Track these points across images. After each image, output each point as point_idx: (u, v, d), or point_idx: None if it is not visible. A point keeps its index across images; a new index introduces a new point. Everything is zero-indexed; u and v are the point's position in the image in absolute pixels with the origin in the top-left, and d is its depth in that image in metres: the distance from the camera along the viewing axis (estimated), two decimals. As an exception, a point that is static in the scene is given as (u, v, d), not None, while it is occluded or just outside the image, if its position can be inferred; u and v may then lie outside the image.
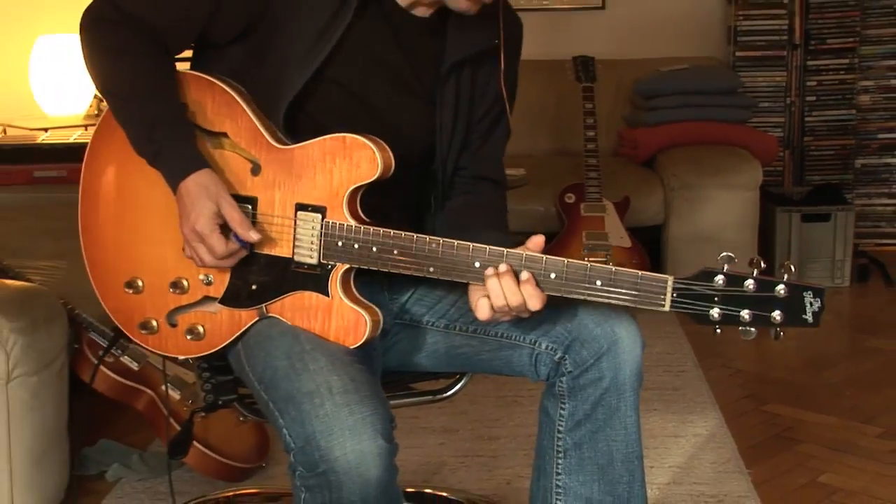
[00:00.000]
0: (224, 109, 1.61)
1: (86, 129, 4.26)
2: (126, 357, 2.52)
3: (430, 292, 1.76)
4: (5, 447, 2.18)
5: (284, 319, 1.59)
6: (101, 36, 1.60)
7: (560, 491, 1.69)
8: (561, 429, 1.67)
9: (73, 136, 4.17)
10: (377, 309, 1.58)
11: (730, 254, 1.42)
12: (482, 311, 1.52)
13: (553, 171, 4.22)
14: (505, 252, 1.50)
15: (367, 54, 1.67)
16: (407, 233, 1.53)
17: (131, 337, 1.69)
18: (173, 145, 1.58)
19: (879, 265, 4.49)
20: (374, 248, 1.54)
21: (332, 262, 1.56)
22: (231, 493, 2.47)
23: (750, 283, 1.41)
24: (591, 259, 3.61)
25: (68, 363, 2.39)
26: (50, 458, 2.29)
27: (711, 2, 5.05)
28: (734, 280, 1.42)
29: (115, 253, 1.68)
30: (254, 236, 1.56)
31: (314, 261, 1.57)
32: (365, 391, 1.43)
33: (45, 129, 4.30)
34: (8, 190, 3.98)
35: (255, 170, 1.60)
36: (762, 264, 1.41)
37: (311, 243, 1.56)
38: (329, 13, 1.61)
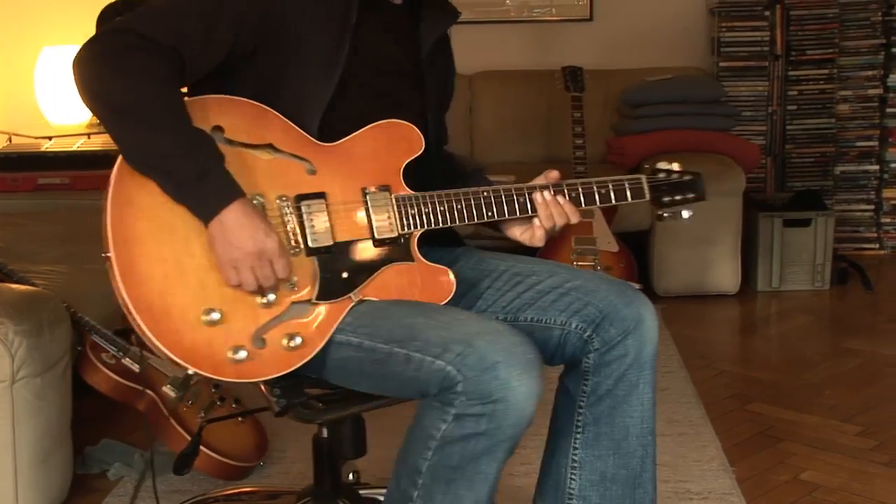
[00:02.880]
0: (261, 122, 1.60)
1: (88, 138, 4.26)
2: (127, 359, 2.51)
3: (459, 284, 1.75)
4: (10, 447, 2.18)
5: (378, 298, 1.64)
6: (123, 63, 1.50)
7: (576, 466, 1.74)
8: (582, 404, 1.73)
9: (77, 145, 4.17)
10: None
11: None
12: (538, 237, 1.75)
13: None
14: (543, 184, 1.75)
15: (375, 50, 1.72)
16: (462, 189, 1.70)
17: (218, 376, 1.53)
18: (219, 168, 1.52)
19: (858, 269, 4.50)
20: (441, 208, 1.68)
21: (409, 231, 1.67)
22: (231, 491, 2.46)
23: (675, 175, 1.83)
24: (579, 263, 3.60)
25: (72, 365, 2.38)
26: (54, 458, 2.29)
27: (695, 14, 5.06)
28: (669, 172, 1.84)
29: (176, 293, 1.52)
30: (287, 262, 1.57)
31: (394, 234, 1.66)
32: (523, 335, 1.53)
33: (49, 138, 4.29)
34: (13, 197, 3.98)
35: (311, 170, 1.63)
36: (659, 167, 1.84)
37: (388, 218, 1.66)
38: (338, 17, 1.64)
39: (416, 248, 1.68)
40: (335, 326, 1.60)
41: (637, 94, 4.53)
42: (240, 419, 2.57)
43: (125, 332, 2.53)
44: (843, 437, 2.79)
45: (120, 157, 1.54)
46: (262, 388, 1.67)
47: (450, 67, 1.95)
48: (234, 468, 2.52)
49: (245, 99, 1.60)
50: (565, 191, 1.75)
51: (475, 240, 2.27)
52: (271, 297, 1.56)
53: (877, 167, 4.94)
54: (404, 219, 1.67)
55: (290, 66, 1.63)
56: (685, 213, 1.83)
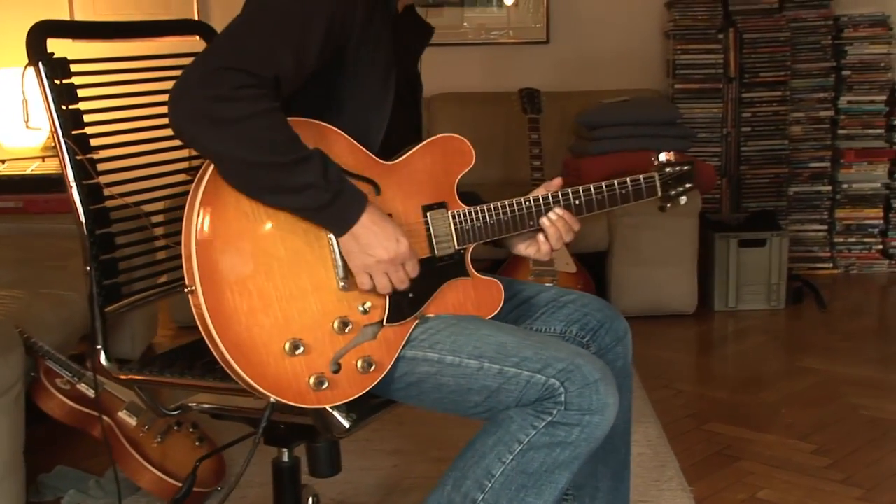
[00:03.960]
0: (325, 142, 1.58)
1: (43, 161, 4.22)
2: (83, 384, 2.49)
3: None
4: (-38, 475, 2.14)
5: (437, 314, 1.69)
6: (242, 107, 1.46)
7: None
8: None
9: (30, 168, 4.13)
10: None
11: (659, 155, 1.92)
12: (545, 251, 1.80)
13: (502, 198, 4.22)
14: (561, 194, 1.79)
15: (404, 63, 1.78)
16: (503, 202, 1.75)
17: (301, 404, 1.54)
18: (346, 182, 1.55)
19: (812, 288, 4.56)
20: (491, 221, 1.74)
21: (465, 246, 1.73)
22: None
23: (678, 168, 1.91)
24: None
25: (25, 391, 2.35)
26: (6, 485, 2.25)
27: (651, 37, 5.13)
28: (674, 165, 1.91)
29: (263, 326, 1.53)
30: (417, 263, 1.65)
31: (453, 250, 1.72)
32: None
33: (3, 161, 4.25)
34: (-35, 220, 3.93)
35: (377, 189, 1.64)
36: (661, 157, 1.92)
37: (447, 235, 1.71)
38: (387, 35, 1.67)
39: (469, 262, 1.74)
40: (402, 344, 1.65)
41: (593, 115, 4.57)
42: (196, 443, 2.55)
43: (80, 357, 2.51)
44: (799, 456, 2.82)
45: (203, 190, 1.50)
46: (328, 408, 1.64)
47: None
48: (193, 493, 2.49)
49: (307, 119, 1.59)
50: (592, 193, 1.80)
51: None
52: (367, 305, 1.60)
53: (829, 188, 5.02)
54: (461, 234, 1.72)
55: (353, 86, 1.65)
56: (683, 200, 1.93)
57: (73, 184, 1.77)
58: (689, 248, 4.25)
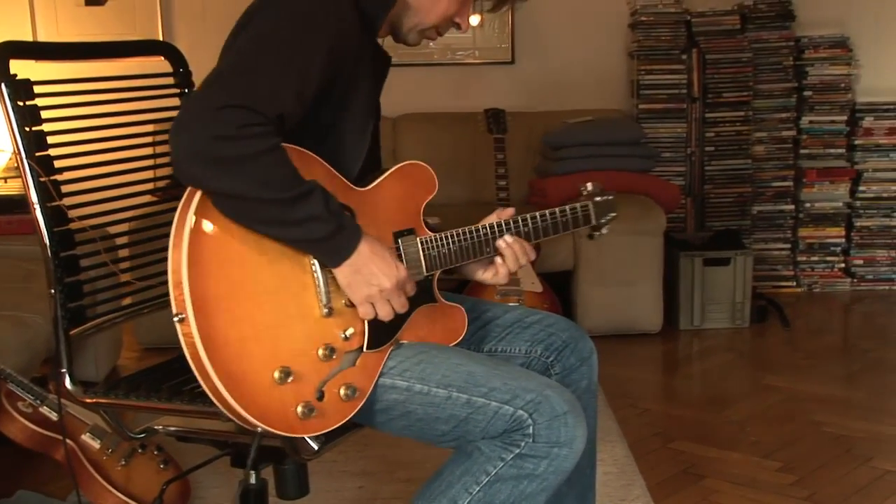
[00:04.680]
0: (307, 169, 1.56)
1: (5, 182, 4.19)
2: (45, 407, 2.47)
3: None
4: (-79, 501, 2.12)
5: (413, 340, 1.71)
6: (246, 145, 1.44)
7: None
8: None
9: (-8, 189, 4.10)
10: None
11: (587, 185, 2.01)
12: (503, 274, 1.84)
13: (467, 218, 4.18)
14: (512, 221, 1.85)
15: (375, 94, 1.83)
16: (463, 228, 1.79)
17: (289, 433, 1.53)
18: (345, 218, 1.56)
19: (776, 307, 4.61)
20: (454, 247, 1.77)
21: (432, 272, 1.76)
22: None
23: (605, 196, 2.02)
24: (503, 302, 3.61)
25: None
26: (-33, 511, 2.23)
27: (615, 57, 5.18)
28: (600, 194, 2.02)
29: (253, 355, 1.51)
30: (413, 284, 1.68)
31: (422, 277, 1.74)
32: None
33: (-37, 182, 4.22)
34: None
35: (353, 216, 1.64)
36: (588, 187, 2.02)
37: (417, 262, 1.73)
38: (370, 67, 1.71)
39: (436, 288, 1.77)
40: (379, 371, 1.66)
41: (558, 136, 4.60)
42: (161, 466, 2.54)
43: (43, 380, 2.49)
44: (764, 473, 2.84)
45: (191, 216, 1.48)
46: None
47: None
48: (156, 517, 2.48)
49: (288, 145, 1.54)
50: (538, 221, 1.87)
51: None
52: (349, 332, 1.61)
53: (792, 207, 5.09)
54: (429, 260, 1.74)
55: (337, 113, 1.66)
56: (606, 230, 2.03)
57: (37, 205, 1.75)
58: (654, 266, 4.28)
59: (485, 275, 1.86)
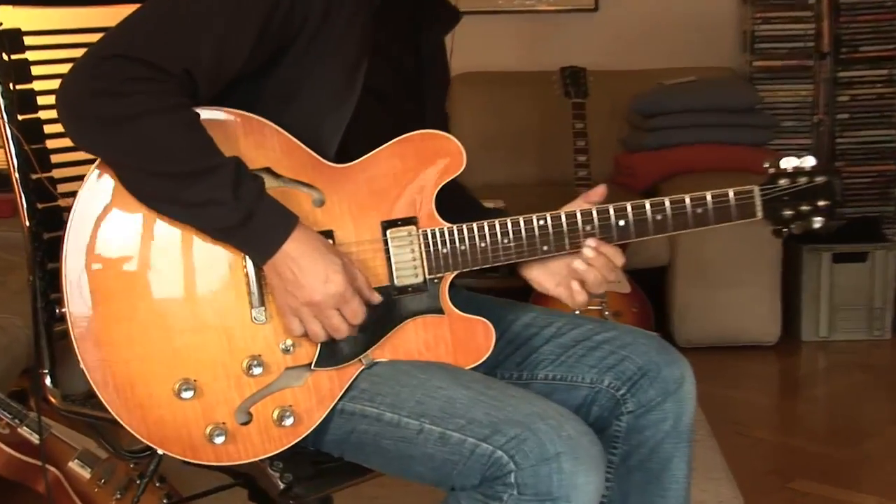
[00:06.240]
0: (257, 139, 1.57)
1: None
2: (25, 428, 2.50)
3: None
4: None
5: (397, 359, 1.64)
6: (130, 103, 1.45)
7: None
8: (610, 476, 1.75)
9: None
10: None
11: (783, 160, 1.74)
12: (580, 302, 1.73)
13: (537, 203, 4.21)
14: (597, 211, 1.70)
15: (388, 55, 1.73)
16: (509, 218, 1.67)
17: (194, 459, 1.55)
18: (264, 201, 1.52)
19: (926, 314, 4.57)
20: (483, 244, 1.66)
21: (439, 275, 1.66)
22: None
23: (803, 178, 1.72)
24: (581, 310, 3.61)
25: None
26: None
27: (723, 3, 5.15)
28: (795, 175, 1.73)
29: (143, 360, 1.53)
30: (376, 298, 1.60)
31: (420, 279, 1.65)
32: (586, 425, 1.54)
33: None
34: None
35: (319, 200, 1.61)
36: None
37: (414, 260, 1.65)
38: (358, 28, 1.63)
39: (446, 295, 1.67)
40: (338, 396, 1.61)
41: (652, 100, 4.59)
42: (164, 501, 2.58)
43: (23, 395, 2.53)
44: (906, 521, 2.83)
45: (80, 192, 1.52)
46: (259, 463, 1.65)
47: (446, 74, 1.97)
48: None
49: (235, 111, 1.57)
50: (648, 211, 1.70)
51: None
52: (289, 343, 1.58)
53: (947, 190, 5.03)
54: (433, 260, 1.66)
55: (306, 80, 1.62)
56: (817, 223, 1.74)
57: (18, 177, 1.79)
58: (770, 263, 4.27)
59: (557, 289, 1.78)
